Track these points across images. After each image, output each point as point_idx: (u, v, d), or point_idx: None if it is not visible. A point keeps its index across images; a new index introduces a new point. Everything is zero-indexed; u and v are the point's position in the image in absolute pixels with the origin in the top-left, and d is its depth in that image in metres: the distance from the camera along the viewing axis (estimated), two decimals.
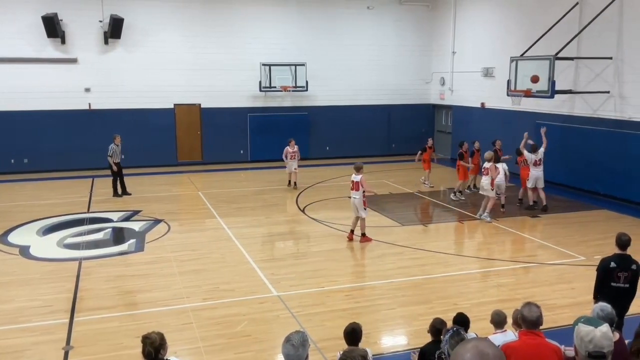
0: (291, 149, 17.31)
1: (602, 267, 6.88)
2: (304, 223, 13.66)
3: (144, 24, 20.32)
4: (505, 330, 5.71)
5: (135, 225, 13.29)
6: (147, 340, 4.83)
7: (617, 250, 6.89)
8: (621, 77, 15.06)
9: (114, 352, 7.21)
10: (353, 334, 5.50)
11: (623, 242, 6.85)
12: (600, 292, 6.90)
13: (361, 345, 5.50)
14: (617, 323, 6.40)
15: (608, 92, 15.32)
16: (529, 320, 4.54)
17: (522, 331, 4.69)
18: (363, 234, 11.88)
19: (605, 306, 5.35)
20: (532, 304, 4.68)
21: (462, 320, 5.75)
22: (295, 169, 17.33)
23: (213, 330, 7.82)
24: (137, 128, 20.54)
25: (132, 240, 12.13)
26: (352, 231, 11.98)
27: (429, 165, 17.57)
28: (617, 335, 5.14)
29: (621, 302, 6.77)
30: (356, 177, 11.69)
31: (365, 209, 11.75)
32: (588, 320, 3.17)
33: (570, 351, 5.28)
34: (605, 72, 15.39)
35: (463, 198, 15.76)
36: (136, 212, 14.43)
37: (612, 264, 6.79)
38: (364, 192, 11.63)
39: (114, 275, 10.06)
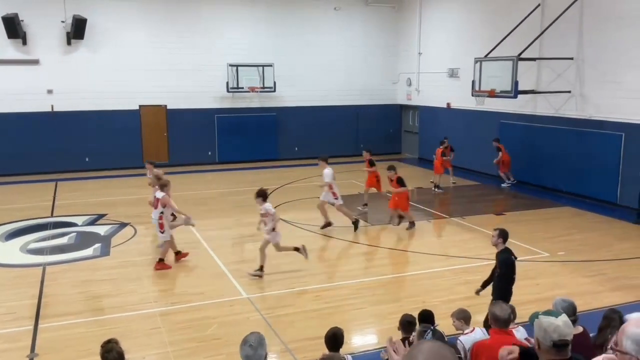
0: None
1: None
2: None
3: (108, 24, 19.97)
4: (473, 329, 5.79)
5: (101, 230, 13.06)
6: (111, 349, 4.73)
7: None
8: (582, 77, 15.46)
9: (80, 358, 7.07)
10: (334, 339, 5.50)
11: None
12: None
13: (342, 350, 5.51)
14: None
15: (569, 91, 15.71)
16: (501, 319, 4.64)
17: (493, 329, 4.78)
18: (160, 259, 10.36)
19: (566, 298, 5.50)
20: (502, 303, 4.81)
21: (427, 315, 5.82)
22: None
23: (182, 334, 7.73)
24: (102, 130, 20.20)
25: (98, 245, 11.91)
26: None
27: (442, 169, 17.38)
28: (580, 328, 5.28)
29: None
30: (158, 194, 10.36)
31: (162, 232, 10.10)
32: (547, 312, 3.26)
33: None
34: (567, 73, 15.78)
35: (442, 190, 16.59)
36: (101, 216, 14.18)
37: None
38: (161, 213, 10.13)
39: (79, 281, 9.86)
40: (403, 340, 5.61)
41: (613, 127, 14.60)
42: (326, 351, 5.49)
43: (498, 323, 4.68)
